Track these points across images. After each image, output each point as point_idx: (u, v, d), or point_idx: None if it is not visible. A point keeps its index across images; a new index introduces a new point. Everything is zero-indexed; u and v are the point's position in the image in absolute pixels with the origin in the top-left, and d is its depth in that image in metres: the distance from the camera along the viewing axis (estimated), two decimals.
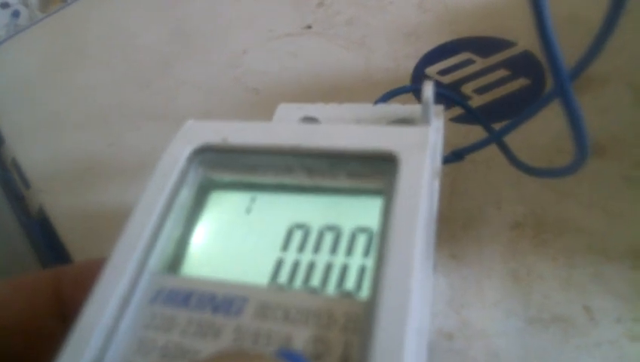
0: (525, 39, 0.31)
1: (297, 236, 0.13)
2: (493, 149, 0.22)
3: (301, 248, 0.13)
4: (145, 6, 0.44)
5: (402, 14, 0.36)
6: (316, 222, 0.13)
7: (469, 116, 0.28)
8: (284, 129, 0.14)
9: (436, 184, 0.17)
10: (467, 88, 0.30)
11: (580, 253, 0.22)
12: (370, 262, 0.12)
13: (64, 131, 0.35)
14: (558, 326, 0.20)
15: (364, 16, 0.36)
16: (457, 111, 0.28)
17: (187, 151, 0.14)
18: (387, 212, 0.12)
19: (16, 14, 0.48)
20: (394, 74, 0.31)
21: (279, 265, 0.13)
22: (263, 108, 0.31)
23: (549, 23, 0.13)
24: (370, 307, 0.11)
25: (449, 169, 0.25)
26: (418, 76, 0.31)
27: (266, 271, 0.13)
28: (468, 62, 0.31)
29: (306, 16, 0.38)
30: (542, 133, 0.26)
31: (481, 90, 0.29)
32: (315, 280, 0.12)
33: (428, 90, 0.17)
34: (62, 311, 0.15)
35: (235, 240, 0.14)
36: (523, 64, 0.30)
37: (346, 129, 0.14)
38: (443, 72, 0.31)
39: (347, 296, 0.12)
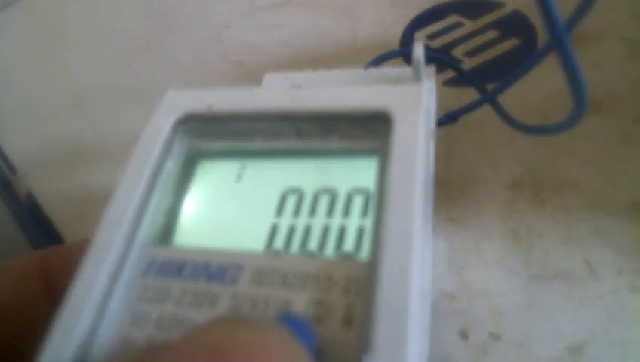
0: None
1: (291, 201, 0.13)
2: (486, 111, 0.22)
3: (296, 212, 0.12)
4: None
5: None
6: (310, 185, 0.13)
7: (461, 79, 0.27)
8: (272, 93, 0.14)
9: (431, 146, 0.17)
10: (457, 51, 0.29)
11: (579, 209, 0.21)
12: (368, 223, 0.12)
13: (47, 116, 0.34)
14: (559, 281, 0.20)
15: None
16: (449, 74, 0.28)
17: (170, 121, 0.14)
18: (383, 171, 0.12)
19: None
20: (382, 40, 0.31)
21: (274, 230, 0.12)
22: (248, 81, 0.31)
23: None
24: (372, 268, 0.11)
25: (443, 132, 0.25)
26: (406, 42, 0.30)
27: (261, 237, 0.12)
28: (456, 25, 0.30)
29: None
30: (535, 92, 0.25)
31: (471, 53, 0.29)
32: (313, 244, 0.12)
33: (418, 49, 0.16)
34: (51, 293, 0.15)
35: (227, 209, 0.13)
36: (513, 24, 0.29)
37: (336, 90, 0.13)
38: (432, 37, 0.30)
39: (346, 257, 0.11)
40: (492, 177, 0.23)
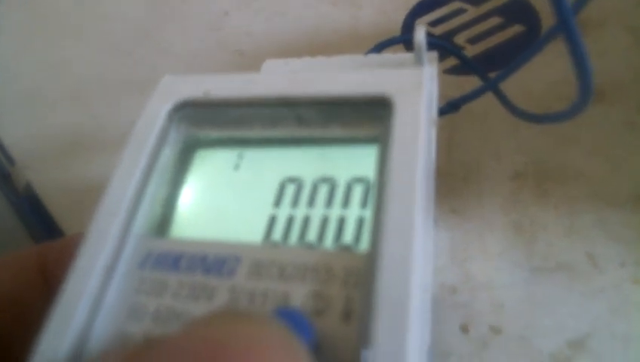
0: None
1: (290, 190, 0.12)
2: (489, 101, 0.21)
3: (295, 203, 0.12)
4: None
5: None
6: (309, 174, 0.12)
7: (464, 67, 0.27)
8: (270, 79, 0.13)
9: (433, 134, 0.17)
10: (460, 38, 0.29)
11: (582, 200, 0.21)
12: (368, 214, 0.12)
13: (45, 106, 0.33)
14: (562, 274, 0.19)
15: None
16: (451, 62, 0.27)
17: (166, 107, 0.13)
18: (384, 160, 0.11)
19: None
20: (383, 27, 0.30)
21: (272, 221, 0.12)
22: (249, 70, 0.30)
23: None
24: (372, 260, 0.10)
25: (445, 122, 0.24)
26: (408, 29, 0.30)
27: (259, 228, 0.12)
28: (459, 12, 0.30)
29: None
30: (539, 80, 0.25)
31: (474, 40, 0.28)
32: (312, 235, 0.12)
33: (420, 34, 0.16)
34: (49, 287, 0.15)
35: (224, 199, 0.13)
36: (516, 11, 0.29)
37: (336, 75, 0.13)
38: (434, 23, 0.30)
39: (346, 249, 0.11)
40: (495, 168, 0.23)
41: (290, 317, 0.10)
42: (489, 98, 0.21)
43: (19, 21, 0.41)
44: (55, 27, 0.39)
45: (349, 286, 0.10)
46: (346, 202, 0.12)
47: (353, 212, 0.12)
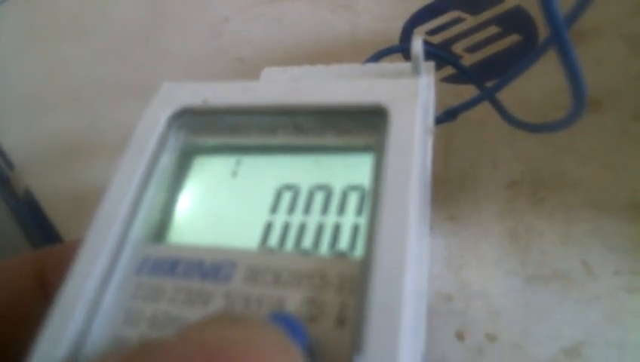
0: None
1: (286, 197, 0.13)
2: (486, 109, 0.22)
3: (291, 210, 0.12)
4: None
5: None
6: (305, 182, 0.13)
7: (461, 76, 0.27)
8: (268, 87, 0.14)
9: (429, 143, 0.17)
10: (458, 47, 0.29)
11: (578, 209, 0.21)
12: (363, 221, 0.12)
13: (44, 110, 0.33)
14: (557, 282, 0.19)
15: None
16: (449, 71, 0.27)
17: (165, 114, 0.13)
18: (379, 167, 0.11)
19: None
20: (382, 36, 0.30)
21: (269, 228, 0.12)
22: (248, 78, 0.30)
23: None
24: (365, 266, 0.10)
25: (443, 130, 0.24)
26: (407, 37, 0.30)
27: (255, 235, 0.12)
28: (457, 21, 0.30)
29: None
30: (535, 89, 0.25)
31: (472, 49, 0.29)
32: (307, 242, 0.12)
33: (417, 43, 0.16)
34: (46, 293, 0.15)
35: (221, 206, 0.13)
36: (514, 20, 0.29)
37: (333, 84, 0.13)
38: (433, 32, 0.30)
39: (341, 256, 0.11)
40: (492, 176, 0.23)
41: (284, 321, 0.10)
42: (486, 107, 0.21)
43: (21, 24, 0.41)
44: (54, 32, 0.39)
45: (344, 293, 0.10)
46: (341, 209, 0.12)
47: (348, 219, 0.12)
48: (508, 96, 0.20)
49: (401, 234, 0.10)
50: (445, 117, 0.22)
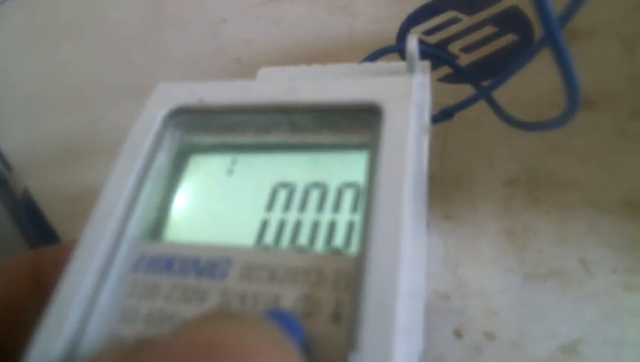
0: None
1: (282, 195, 0.13)
2: (482, 108, 0.22)
3: (286, 207, 0.12)
4: None
5: None
6: (301, 180, 0.13)
7: (457, 75, 0.27)
8: (264, 86, 0.14)
9: (425, 142, 0.17)
10: (454, 47, 0.29)
11: (574, 207, 0.21)
12: (358, 218, 0.12)
13: (43, 112, 0.34)
14: (554, 280, 0.19)
15: None
16: (445, 70, 0.27)
17: (161, 114, 0.13)
18: (373, 164, 0.12)
19: None
20: (379, 36, 0.31)
21: (264, 225, 0.12)
22: (246, 77, 0.31)
23: None
24: (360, 263, 0.10)
25: (439, 129, 0.24)
26: (403, 38, 0.30)
27: (251, 232, 0.12)
28: (453, 21, 0.30)
29: None
30: (532, 88, 0.25)
31: (468, 49, 0.29)
32: (303, 239, 0.12)
33: (412, 42, 0.16)
34: (42, 294, 0.15)
35: (217, 203, 0.13)
36: (510, 20, 0.29)
37: (328, 83, 0.13)
38: (429, 32, 0.30)
39: (336, 252, 0.11)
40: (488, 174, 0.23)
41: (279, 318, 0.10)
42: (482, 106, 0.21)
43: (20, 25, 0.41)
44: (54, 33, 0.39)
45: (339, 289, 0.11)
46: (336, 207, 0.12)
47: (344, 216, 0.12)
48: (504, 95, 0.21)
49: (395, 230, 0.10)
50: (441, 116, 0.22)
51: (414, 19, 0.31)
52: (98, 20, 0.39)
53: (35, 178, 0.31)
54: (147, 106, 0.14)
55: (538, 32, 0.28)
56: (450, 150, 0.24)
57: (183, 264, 0.11)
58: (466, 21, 0.30)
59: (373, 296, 0.10)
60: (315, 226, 0.12)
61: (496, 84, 0.19)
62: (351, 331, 0.10)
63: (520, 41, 0.28)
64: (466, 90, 0.26)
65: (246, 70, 0.32)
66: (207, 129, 0.14)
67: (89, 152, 0.30)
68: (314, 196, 0.12)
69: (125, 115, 0.31)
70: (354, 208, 0.12)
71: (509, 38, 0.28)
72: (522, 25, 0.29)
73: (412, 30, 0.31)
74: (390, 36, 0.30)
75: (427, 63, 0.19)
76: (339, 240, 0.12)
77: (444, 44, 0.29)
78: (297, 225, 0.12)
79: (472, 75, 0.23)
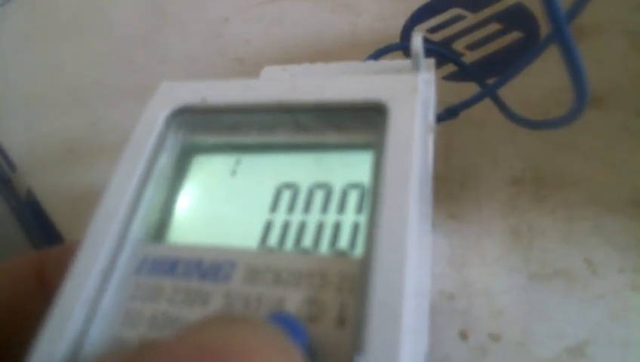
0: None
1: (286, 196, 0.12)
2: (487, 107, 0.22)
3: (291, 208, 0.12)
4: None
5: None
6: (305, 180, 0.13)
7: (462, 73, 0.27)
8: (267, 85, 0.13)
9: (430, 141, 0.17)
10: (459, 45, 0.29)
11: (580, 206, 0.21)
12: (363, 219, 0.12)
13: (44, 111, 0.33)
14: (560, 280, 0.19)
15: None
16: (450, 68, 0.27)
17: (164, 113, 0.13)
18: (378, 165, 0.11)
19: None
20: (383, 34, 0.30)
21: (268, 227, 0.12)
22: (248, 77, 0.30)
23: None
24: (365, 265, 0.10)
25: (444, 128, 0.24)
26: (407, 36, 0.30)
27: (255, 234, 0.12)
28: (458, 18, 0.30)
29: None
30: (537, 86, 0.25)
31: (473, 46, 0.28)
32: (307, 241, 0.12)
33: (417, 40, 0.16)
34: (46, 294, 0.15)
35: (221, 205, 0.13)
36: (515, 17, 0.29)
37: (331, 81, 0.13)
38: (433, 30, 0.30)
39: (341, 254, 0.11)
40: (493, 173, 0.23)
41: (283, 321, 0.10)
42: (487, 104, 0.21)
43: (22, 25, 0.41)
44: (55, 33, 0.39)
45: (344, 292, 0.10)
46: (341, 208, 0.12)
47: (348, 217, 0.12)
48: (509, 93, 0.20)
49: (401, 232, 0.10)
50: (446, 114, 0.22)
51: (418, 16, 0.31)
52: (98, 20, 0.39)
53: (38, 177, 0.30)
54: (150, 106, 0.14)
55: (543, 29, 0.28)
56: (456, 149, 0.24)
57: (186, 266, 0.11)
58: (471, 18, 0.30)
59: (379, 298, 0.10)
60: (320, 228, 0.12)
61: (501, 82, 0.19)
62: (356, 333, 0.10)
63: (525, 39, 0.28)
64: (470, 89, 0.26)
65: (248, 70, 0.32)
66: (210, 129, 0.14)
67: (89, 152, 0.30)
68: (318, 197, 0.12)
69: (126, 115, 0.31)
70: (359, 209, 0.12)
71: (514, 36, 0.28)
72: (527, 22, 0.29)
73: (416, 28, 0.30)
74: (394, 34, 0.30)
75: (432, 61, 0.19)
76: (344, 241, 0.11)
77: (448, 41, 0.29)
78: (301, 227, 0.12)
79: (477, 72, 0.23)
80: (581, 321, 0.18)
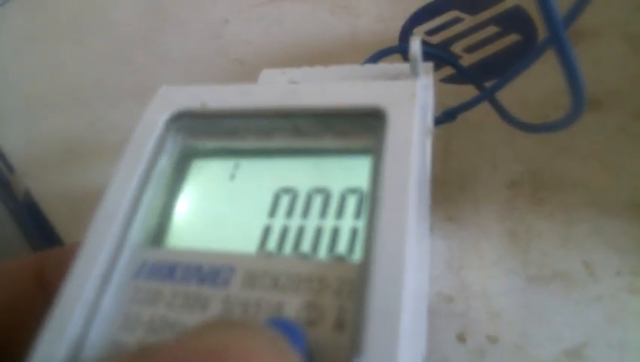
0: None
1: (285, 201, 0.13)
2: (486, 109, 0.22)
3: (289, 213, 0.12)
4: None
5: None
6: (303, 185, 0.13)
7: (460, 76, 0.27)
8: (266, 90, 0.13)
9: (428, 144, 0.17)
10: (457, 47, 0.29)
11: (578, 209, 0.21)
12: (361, 224, 0.12)
13: (43, 112, 0.33)
14: (558, 283, 0.19)
15: None
16: (448, 71, 0.27)
17: (163, 118, 0.13)
18: (377, 170, 0.11)
19: None
20: (381, 36, 0.30)
21: (267, 232, 0.12)
22: (248, 79, 0.30)
23: None
24: (364, 270, 0.10)
25: (442, 131, 0.24)
26: (406, 38, 0.30)
27: (254, 239, 0.12)
28: (456, 21, 0.30)
29: None
30: (535, 89, 0.25)
31: (471, 49, 0.28)
32: (306, 246, 0.12)
33: (415, 44, 0.16)
34: (46, 296, 0.15)
35: (220, 209, 0.13)
36: (513, 19, 0.29)
37: (330, 87, 0.13)
38: (431, 32, 0.30)
39: (339, 259, 0.11)
40: (491, 176, 0.23)
41: (282, 326, 0.10)
42: (485, 107, 0.21)
43: (21, 26, 0.41)
44: (54, 33, 0.39)
45: (343, 297, 0.10)
46: (339, 213, 0.12)
47: (347, 222, 0.12)
48: (507, 96, 0.20)
49: (399, 237, 0.10)
50: (444, 117, 0.22)
51: (417, 18, 0.31)
52: (98, 20, 0.38)
53: (36, 179, 0.30)
54: (149, 110, 0.14)
55: (542, 31, 0.28)
56: (454, 151, 0.24)
57: (185, 271, 0.11)
58: (469, 21, 0.30)
59: (378, 302, 0.10)
60: (318, 232, 0.12)
61: (499, 85, 0.19)
62: (355, 338, 0.10)
63: (523, 41, 0.28)
64: (468, 91, 0.26)
65: (247, 71, 0.32)
66: (209, 133, 0.14)
67: (89, 153, 0.30)
68: (317, 202, 0.12)
69: (125, 116, 0.31)
70: (357, 214, 0.12)
71: (512, 38, 0.28)
72: (525, 25, 0.29)
73: (414, 30, 0.30)
74: (393, 36, 0.30)
75: (430, 65, 0.19)
76: (342, 246, 0.11)
77: (446, 44, 0.29)
78: (300, 232, 0.12)
79: (475, 75, 0.23)
80: (579, 324, 0.19)
